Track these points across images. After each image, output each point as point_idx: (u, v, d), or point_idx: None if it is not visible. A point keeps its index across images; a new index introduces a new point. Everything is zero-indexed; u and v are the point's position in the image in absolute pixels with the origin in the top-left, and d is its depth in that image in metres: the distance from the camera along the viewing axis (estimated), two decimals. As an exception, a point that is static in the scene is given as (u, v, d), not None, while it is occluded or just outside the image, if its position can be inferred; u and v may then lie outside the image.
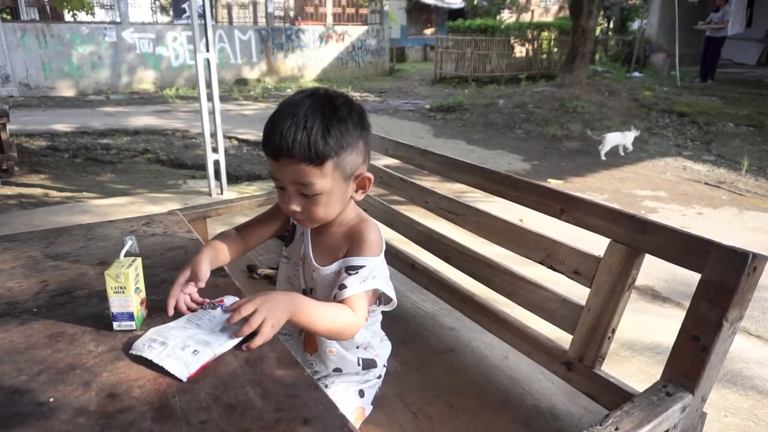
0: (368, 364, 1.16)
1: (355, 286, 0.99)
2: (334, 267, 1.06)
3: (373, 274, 1.01)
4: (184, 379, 0.81)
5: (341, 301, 0.98)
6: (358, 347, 1.15)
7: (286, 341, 1.17)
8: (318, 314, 0.94)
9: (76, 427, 0.72)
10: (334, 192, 0.99)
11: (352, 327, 0.99)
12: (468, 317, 1.51)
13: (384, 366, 1.23)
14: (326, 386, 1.12)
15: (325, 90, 1.00)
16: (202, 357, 0.84)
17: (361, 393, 1.16)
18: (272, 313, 0.88)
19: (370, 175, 1.05)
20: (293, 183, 0.97)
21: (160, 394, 0.79)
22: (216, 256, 1.10)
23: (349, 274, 1.00)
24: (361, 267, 1.00)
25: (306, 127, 0.91)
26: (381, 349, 1.20)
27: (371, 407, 1.17)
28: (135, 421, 0.74)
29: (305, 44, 13.81)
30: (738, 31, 11.99)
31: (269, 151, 0.95)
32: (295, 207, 0.99)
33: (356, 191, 1.06)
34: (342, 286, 0.99)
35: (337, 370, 1.15)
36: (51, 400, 0.77)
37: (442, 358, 1.41)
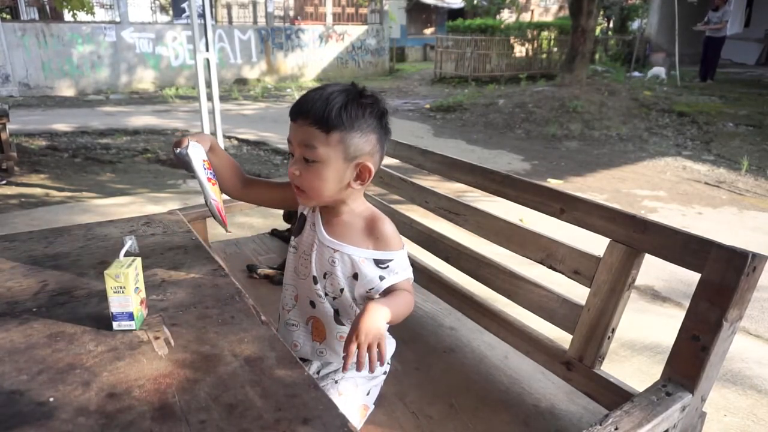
0: None
1: (392, 277, 1.08)
2: (359, 250, 1.08)
3: (404, 265, 1.10)
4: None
5: (387, 290, 1.07)
6: None
7: (294, 332, 1.17)
8: (398, 305, 1.03)
9: (76, 427, 0.72)
10: (332, 166, 1.03)
11: (412, 304, 1.10)
12: (468, 317, 1.51)
13: (389, 363, 1.24)
14: (336, 381, 1.13)
15: (362, 85, 1.07)
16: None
17: (368, 391, 1.17)
18: (373, 334, 0.94)
19: (371, 166, 1.05)
20: (300, 145, 1.03)
21: (159, 393, 0.79)
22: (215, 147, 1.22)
23: (381, 268, 1.08)
24: (390, 261, 1.08)
25: (328, 99, 1.00)
26: (387, 345, 1.21)
27: (373, 406, 1.18)
28: (135, 421, 0.74)
29: (305, 44, 13.80)
30: (737, 31, 12.00)
31: (291, 114, 1.04)
32: (295, 170, 1.05)
33: (354, 180, 1.06)
34: (381, 278, 1.07)
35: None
36: (51, 399, 0.77)
37: (442, 358, 1.41)
